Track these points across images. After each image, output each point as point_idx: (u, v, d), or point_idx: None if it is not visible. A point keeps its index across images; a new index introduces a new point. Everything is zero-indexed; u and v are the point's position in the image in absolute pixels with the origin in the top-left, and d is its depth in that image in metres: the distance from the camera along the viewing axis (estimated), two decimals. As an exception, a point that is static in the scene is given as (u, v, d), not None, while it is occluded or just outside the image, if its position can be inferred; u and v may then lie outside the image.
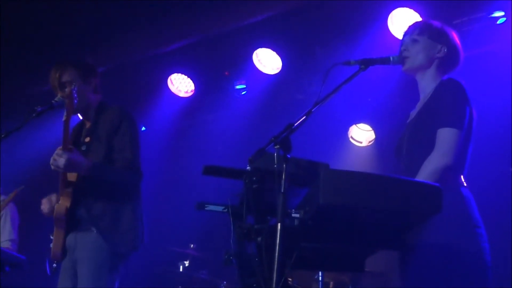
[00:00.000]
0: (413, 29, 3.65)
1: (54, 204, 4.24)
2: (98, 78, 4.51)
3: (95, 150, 4.27)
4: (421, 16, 5.52)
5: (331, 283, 5.80)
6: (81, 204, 4.19)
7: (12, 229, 6.04)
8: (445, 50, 3.59)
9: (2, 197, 6.15)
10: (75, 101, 4.13)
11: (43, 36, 6.94)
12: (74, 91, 4.12)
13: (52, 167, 4.03)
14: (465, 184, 3.41)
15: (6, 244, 5.99)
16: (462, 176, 3.42)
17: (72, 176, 4.18)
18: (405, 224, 2.87)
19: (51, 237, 4.27)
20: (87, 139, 4.35)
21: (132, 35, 6.92)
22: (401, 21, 5.70)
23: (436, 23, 3.69)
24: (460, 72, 3.67)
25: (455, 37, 3.66)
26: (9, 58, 7.23)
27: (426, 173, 3.26)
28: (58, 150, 4.02)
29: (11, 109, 7.63)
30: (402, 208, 2.69)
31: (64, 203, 4.16)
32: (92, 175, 4.10)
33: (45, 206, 4.28)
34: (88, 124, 4.45)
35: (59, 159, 3.99)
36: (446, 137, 3.34)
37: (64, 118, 4.07)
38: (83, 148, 4.33)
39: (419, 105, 3.63)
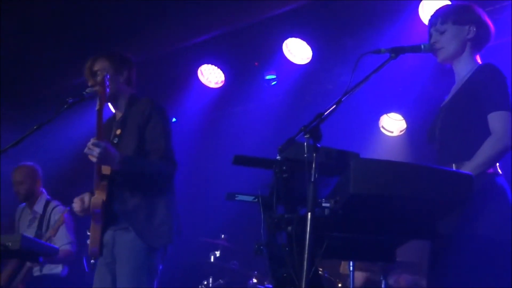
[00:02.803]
0: (435, 19, 3.60)
1: (86, 204, 4.19)
2: (132, 71, 4.47)
3: (126, 142, 4.23)
4: (452, 2, 5.44)
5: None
6: (116, 198, 4.15)
7: (68, 233, 6.20)
8: (474, 29, 3.54)
9: (56, 203, 6.32)
10: (107, 89, 4.12)
11: (74, 30, 6.99)
12: (106, 79, 4.10)
13: (89, 157, 3.98)
14: (500, 172, 3.37)
15: (67, 247, 6.18)
16: (497, 164, 3.37)
17: (106, 169, 4.13)
18: (436, 213, 2.84)
19: (88, 233, 4.22)
20: (118, 131, 4.32)
21: (161, 27, 6.93)
22: (432, 8, 5.61)
23: (456, 4, 3.64)
24: (493, 60, 3.62)
25: (479, 11, 3.58)
26: (42, 51, 7.32)
27: (483, 158, 3.24)
28: (94, 140, 3.95)
29: (43, 102, 7.73)
30: (433, 196, 2.68)
31: (100, 196, 4.11)
32: (124, 168, 4.06)
33: (77, 205, 4.21)
34: (118, 116, 4.42)
35: (94, 148, 3.92)
36: (499, 120, 3.30)
37: (97, 107, 4.03)
38: (115, 140, 4.30)
39: (454, 89, 3.59)
